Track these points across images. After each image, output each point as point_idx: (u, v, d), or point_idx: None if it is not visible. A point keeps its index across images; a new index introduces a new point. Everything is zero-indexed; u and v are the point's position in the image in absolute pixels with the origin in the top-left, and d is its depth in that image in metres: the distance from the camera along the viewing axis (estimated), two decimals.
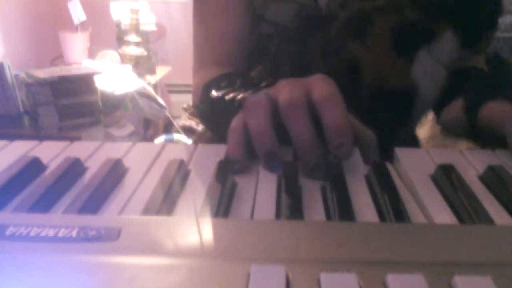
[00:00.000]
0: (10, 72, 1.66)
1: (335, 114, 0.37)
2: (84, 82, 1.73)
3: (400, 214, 0.31)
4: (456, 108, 0.50)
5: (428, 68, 0.54)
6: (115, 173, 0.36)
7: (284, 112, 0.38)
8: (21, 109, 1.73)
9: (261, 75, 0.69)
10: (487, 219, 0.31)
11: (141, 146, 0.43)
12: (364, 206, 0.33)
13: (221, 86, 0.56)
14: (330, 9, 0.65)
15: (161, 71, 2.47)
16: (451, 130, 0.48)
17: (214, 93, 0.56)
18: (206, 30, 0.71)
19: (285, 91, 0.40)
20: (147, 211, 0.31)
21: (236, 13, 0.68)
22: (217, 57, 0.70)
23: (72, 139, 0.45)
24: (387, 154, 0.42)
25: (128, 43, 2.23)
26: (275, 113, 0.39)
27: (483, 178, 0.37)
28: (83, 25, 2.33)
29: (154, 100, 2.08)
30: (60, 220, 0.28)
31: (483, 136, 0.47)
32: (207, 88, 0.59)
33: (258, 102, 0.40)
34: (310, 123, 0.38)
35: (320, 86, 0.40)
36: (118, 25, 2.31)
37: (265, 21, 0.67)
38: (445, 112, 0.51)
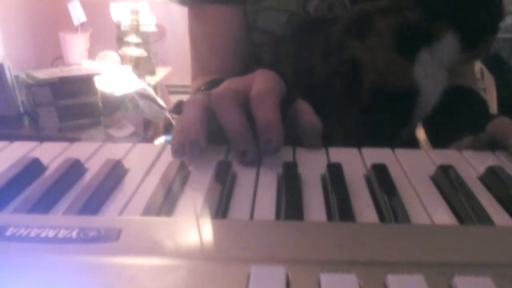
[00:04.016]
0: (10, 73, 1.66)
1: (265, 111, 0.38)
2: (84, 83, 1.73)
3: (399, 214, 0.31)
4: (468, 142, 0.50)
5: (429, 69, 0.54)
6: (115, 174, 0.36)
7: (213, 103, 0.40)
8: (21, 110, 1.73)
9: None
10: (487, 220, 0.31)
11: (141, 147, 0.43)
12: (364, 206, 0.33)
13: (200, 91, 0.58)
14: (319, 12, 0.65)
15: (161, 72, 2.47)
16: None
17: None
18: (202, 40, 0.72)
19: (221, 86, 0.41)
20: (147, 211, 0.31)
21: (231, 22, 0.69)
22: (213, 66, 0.71)
23: (72, 140, 0.45)
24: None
25: (128, 44, 2.23)
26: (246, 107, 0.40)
27: (483, 179, 0.37)
28: (83, 26, 2.33)
29: (154, 101, 2.08)
30: (60, 220, 0.28)
31: None
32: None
33: (193, 99, 0.42)
34: (236, 112, 0.39)
35: (257, 83, 0.41)
36: (118, 26, 2.31)
37: (257, 30, 0.67)
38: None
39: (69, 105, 1.71)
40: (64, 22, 2.38)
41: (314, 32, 0.61)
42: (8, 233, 0.26)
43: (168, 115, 2.19)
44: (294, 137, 0.41)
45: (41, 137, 1.66)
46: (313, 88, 0.58)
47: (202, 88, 0.59)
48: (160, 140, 2.30)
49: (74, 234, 0.26)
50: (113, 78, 1.97)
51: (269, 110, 0.38)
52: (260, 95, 0.39)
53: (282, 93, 0.41)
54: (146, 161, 0.39)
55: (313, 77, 0.58)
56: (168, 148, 0.42)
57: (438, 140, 0.63)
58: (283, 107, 0.40)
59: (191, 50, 0.74)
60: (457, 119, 0.59)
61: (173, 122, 2.28)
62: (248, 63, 0.71)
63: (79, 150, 0.42)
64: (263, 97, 0.39)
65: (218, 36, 0.70)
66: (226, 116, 0.39)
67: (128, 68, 2.16)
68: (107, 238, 0.25)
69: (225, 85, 0.42)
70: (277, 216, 0.31)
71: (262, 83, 0.41)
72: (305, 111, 0.43)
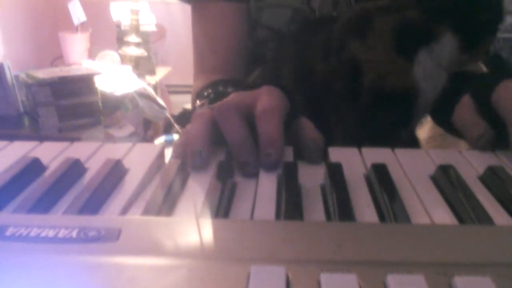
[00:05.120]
0: (10, 73, 1.67)
1: (268, 127, 0.39)
2: (84, 82, 1.73)
3: (399, 214, 0.31)
4: (466, 103, 0.49)
5: (428, 69, 0.54)
6: (115, 173, 0.36)
7: (217, 114, 0.40)
8: (21, 109, 1.73)
9: (259, 80, 0.70)
10: (487, 220, 0.31)
11: (141, 146, 0.43)
12: (364, 206, 0.33)
13: (203, 96, 0.59)
14: (323, 10, 0.65)
15: (161, 72, 2.47)
16: (465, 128, 0.47)
17: (198, 102, 0.59)
18: (204, 37, 0.72)
19: (226, 98, 0.42)
20: (147, 211, 0.31)
21: (233, 20, 0.69)
22: (214, 63, 0.71)
23: (72, 140, 0.45)
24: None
25: (128, 43, 2.23)
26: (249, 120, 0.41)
27: (483, 179, 0.37)
28: (83, 26, 2.33)
29: (154, 100, 2.08)
30: (60, 220, 0.28)
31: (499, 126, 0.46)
32: (195, 96, 0.62)
33: (199, 113, 0.43)
34: (239, 124, 0.39)
35: (263, 99, 0.42)
36: (118, 25, 2.31)
37: (260, 26, 0.68)
38: (457, 111, 0.50)
39: (69, 105, 1.71)
40: (64, 22, 2.38)
41: (316, 31, 0.61)
42: (8, 233, 0.26)
43: (168, 115, 2.19)
44: (296, 152, 0.42)
45: (41, 137, 1.66)
46: (314, 87, 0.58)
47: (205, 94, 0.60)
48: (160, 139, 2.30)
49: (74, 234, 0.26)
50: (113, 77, 1.97)
51: (273, 126, 0.39)
52: (265, 111, 0.40)
53: (286, 111, 0.42)
54: (146, 161, 0.39)
55: (314, 76, 0.58)
56: (168, 148, 0.42)
57: (443, 116, 0.61)
58: (286, 124, 0.41)
59: (193, 47, 0.74)
60: (459, 92, 0.57)
61: (177, 126, 2.29)
62: (249, 60, 0.71)
63: (79, 150, 0.42)
64: (268, 114, 0.40)
65: (221, 33, 0.70)
66: (229, 127, 0.39)
67: (128, 67, 2.16)
68: (107, 238, 0.25)
69: (230, 97, 0.43)
70: (277, 216, 0.31)
71: (268, 99, 0.41)
72: (308, 127, 0.43)
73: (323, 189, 0.35)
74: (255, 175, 0.37)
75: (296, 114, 0.44)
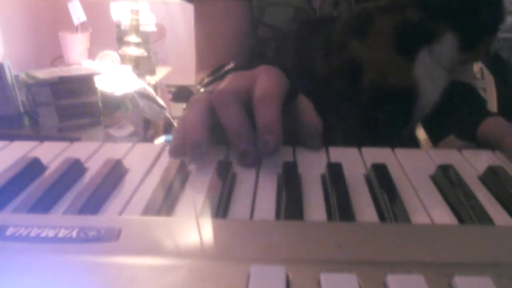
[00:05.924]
0: (10, 73, 1.66)
1: (266, 112, 0.38)
2: (84, 82, 1.73)
3: (399, 214, 0.31)
4: (451, 141, 0.52)
5: (429, 69, 0.55)
6: (115, 173, 0.36)
7: (214, 101, 0.39)
8: (21, 109, 1.73)
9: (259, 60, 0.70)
10: (487, 219, 0.31)
11: (141, 146, 0.43)
12: (364, 206, 0.33)
13: (203, 80, 0.58)
14: (324, 10, 0.65)
15: (161, 72, 2.47)
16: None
17: (197, 87, 0.58)
18: (206, 33, 0.72)
19: (223, 83, 0.41)
20: (147, 211, 0.31)
21: (236, 18, 0.69)
22: (216, 62, 0.71)
23: (72, 140, 0.45)
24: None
25: (128, 43, 2.23)
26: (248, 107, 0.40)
27: (483, 178, 0.37)
28: (83, 26, 2.33)
29: (154, 100, 2.08)
30: (60, 220, 0.28)
31: None
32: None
33: (196, 99, 0.42)
34: (237, 111, 0.38)
35: (261, 81, 0.40)
36: (118, 25, 2.31)
37: (262, 25, 0.68)
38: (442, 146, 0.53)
39: (69, 105, 1.71)
40: (64, 22, 2.38)
41: (317, 31, 0.61)
42: (8, 233, 0.26)
43: (168, 114, 2.19)
44: (294, 134, 0.41)
45: (41, 137, 1.66)
46: (314, 86, 0.58)
47: (205, 77, 0.59)
48: (160, 139, 2.30)
49: (74, 233, 0.26)
50: (113, 77, 1.97)
51: (271, 111, 0.38)
52: (263, 95, 0.39)
53: (285, 91, 0.41)
54: (146, 161, 0.39)
55: (314, 75, 0.58)
56: (168, 148, 0.42)
57: (433, 135, 0.64)
58: (285, 104, 0.40)
59: (195, 45, 0.74)
60: (452, 115, 0.59)
61: (171, 119, 2.28)
62: (251, 58, 0.71)
63: (79, 149, 0.42)
64: (266, 98, 0.39)
65: (223, 31, 0.70)
66: (227, 115, 0.38)
67: (128, 67, 2.16)
68: (107, 238, 0.25)
69: (228, 81, 0.41)
70: (277, 216, 0.31)
71: (266, 82, 0.40)
72: (307, 110, 0.42)
73: (323, 189, 0.35)
74: (254, 165, 0.37)
75: (295, 93, 0.43)
